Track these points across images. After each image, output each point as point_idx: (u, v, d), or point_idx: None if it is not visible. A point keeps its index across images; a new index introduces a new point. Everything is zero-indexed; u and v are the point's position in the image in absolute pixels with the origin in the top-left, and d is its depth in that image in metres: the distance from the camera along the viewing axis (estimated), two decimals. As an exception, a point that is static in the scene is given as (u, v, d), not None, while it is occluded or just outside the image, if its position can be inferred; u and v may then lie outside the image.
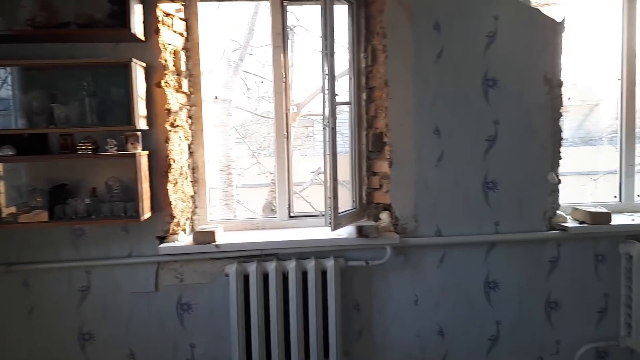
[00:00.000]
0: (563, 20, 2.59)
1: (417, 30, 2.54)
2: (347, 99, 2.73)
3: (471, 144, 2.62)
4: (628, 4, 2.85)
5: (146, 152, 2.43)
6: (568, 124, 2.97)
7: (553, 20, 2.56)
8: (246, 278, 2.52)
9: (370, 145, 2.74)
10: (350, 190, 2.82)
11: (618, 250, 2.71)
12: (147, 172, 2.41)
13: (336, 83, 2.41)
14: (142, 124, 2.35)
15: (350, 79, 2.71)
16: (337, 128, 2.45)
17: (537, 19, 2.58)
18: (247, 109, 6.97)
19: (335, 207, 2.48)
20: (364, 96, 2.76)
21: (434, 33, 2.54)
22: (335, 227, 2.51)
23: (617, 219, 2.73)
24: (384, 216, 2.73)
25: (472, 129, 2.61)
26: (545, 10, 2.56)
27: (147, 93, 2.43)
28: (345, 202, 2.76)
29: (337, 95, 2.41)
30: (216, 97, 6.19)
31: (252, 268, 2.51)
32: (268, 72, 6.83)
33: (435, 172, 2.62)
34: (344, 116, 2.77)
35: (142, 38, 2.38)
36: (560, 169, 2.68)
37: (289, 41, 2.88)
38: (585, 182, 3.33)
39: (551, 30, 2.58)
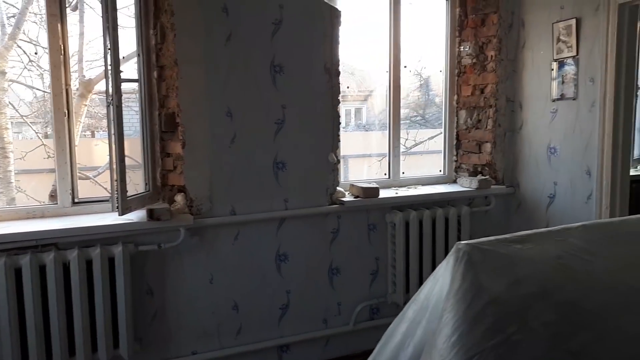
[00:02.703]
0: (339, 13, 2.87)
1: (206, 11, 2.54)
2: (136, 77, 2.60)
3: (262, 127, 2.76)
4: (394, 2, 3.29)
5: None
6: (347, 110, 3.31)
7: (333, 11, 2.82)
8: (18, 272, 2.25)
9: (163, 125, 2.67)
10: (142, 172, 2.72)
11: (385, 220, 3.16)
12: None
13: (124, 59, 2.28)
14: None
15: (138, 55, 2.59)
16: (131, 106, 2.33)
17: (318, 10, 2.81)
18: (26, 84, 6.06)
19: (124, 190, 2.37)
20: (154, 74, 2.66)
21: (223, 16, 2.58)
22: (124, 211, 2.39)
23: (385, 193, 3.19)
24: (179, 198, 2.70)
25: (262, 112, 2.74)
26: (327, 1, 2.79)
27: None
28: (138, 185, 2.65)
29: (122, 71, 2.28)
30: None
31: (24, 260, 2.25)
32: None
33: (229, 153, 2.69)
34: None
35: None
36: (343, 151, 3.00)
37: (79, 11, 2.61)
38: (367, 162, 3.78)
39: (329, 22, 2.85)
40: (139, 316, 2.57)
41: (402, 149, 3.50)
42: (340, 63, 2.94)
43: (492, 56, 3.34)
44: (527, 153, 3.33)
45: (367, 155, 3.99)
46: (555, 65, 3.06)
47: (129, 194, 2.44)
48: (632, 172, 3.85)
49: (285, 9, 2.72)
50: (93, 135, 6.15)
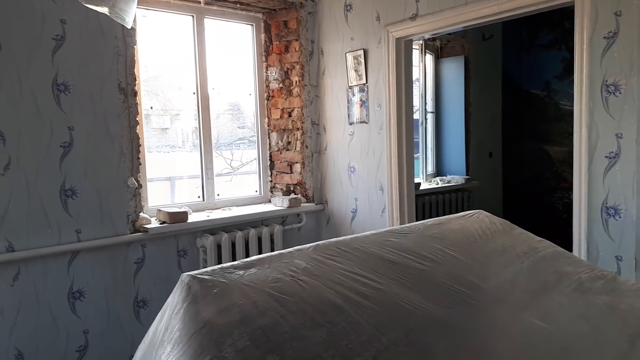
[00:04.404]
0: (134, 32, 2.75)
1: (-38, 21, 2.23)
2: None
3: (44, 151, 2.49)
4: (197, 27, 3.27)
5: None
6: (152, 132, 3.18)
7: (123, 29, 2.68)
8: None
9: None
10: None
11: (196, 244, 3.09)
12: None
13: None
14: None
15: None
16: None
17: (108, 28, 2.64)
18: None
19: None
20: None
21: (-15, 27, 2.28)
22: None
23: (196, 217, 3.11)
24: (-62, 236, 2.29)
25: (44, 134, 2.48)
26: (115, 19, 2.64)
27: None
28: None
29: None
30: None
31: None
32: None
33: (2, 182, 2.37)
34: None
35: None
36: (149, 174, 2.84)
37: None
38: (176, 185, 3.66)
39: (122, 40, 2.71)
40: None
41: (227, 170, 3.47)
42: (139, 82, 2.81)
43: (296, 81, 3.52)
44: (332, 172, 3.55)
45: (182, 178, 3.87)
46: (351, 91, 3.33)
47: None
48: (427, 186, 4.39)
49: (69, 25, 2.51)
50: None
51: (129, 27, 2.69)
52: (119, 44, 2.71)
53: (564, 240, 2.22)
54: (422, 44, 4.48)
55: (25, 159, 2.44)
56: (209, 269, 1.11)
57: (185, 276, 1.05)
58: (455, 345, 1.05)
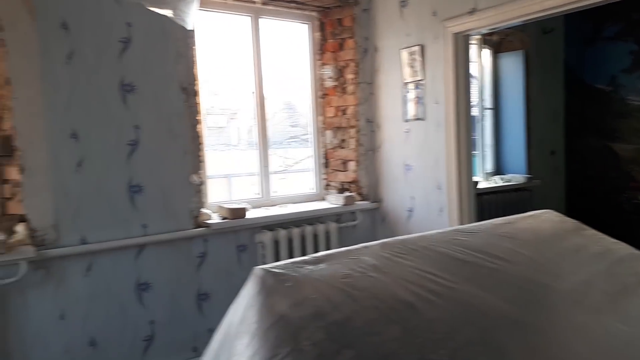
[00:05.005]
0: (192, 33, 2.84)
1: (42, 28, 2.38)
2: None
3: (113, 149, 2.62)
4: (254, 27, 3.33)
5: None
6: (208, 130, 3.28)
7: (184, 31, 2.77)
8: None
9: (-4, 149, 2.43)
10: (-26, 201, 2.45)
11: (255, 240, 3.15)
12: None
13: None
14: None
15: (-37, 73, 2.34)
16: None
17: (170, 29, 2.75)
18: None
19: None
20: (-16, 94, 2.42)
21: (62, 32, 2.43)
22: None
23: (255, 213, 3.18)
24: (20, 228, 2.46)
25: (113, 133, 2.61)
26: (177, 21, 2.74)
27: None
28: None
29: None
30: None
31: None
32: None
33: (76, 178, 2.52)
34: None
35: None
36: (211, 171, 2.93)
37: None
38: (232, 182, 3.75)
39: (183, 41, 2.81)
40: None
41: (282, 168, 3.53)
42: (199, 82, 2.90)
43: (351, 79, 3.51)
44: (387, 170, 3.53)
45: (240, 175, 3.96)
46: (406, 88, 3.29)
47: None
48: (485, 185, 4.27)
49: (134, 28, 2.63)
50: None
51: (190, 29, 2.79)
52: (180, 45, 2.80)
53: (632, 242, 2.10)
54: (480, 39, 4.36)
55: (96, 156, 2.57)
56: (279, 263, 1.13)
57: (258, 270, 1.08)
58: (531, 345, 1.02)
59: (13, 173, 2.43)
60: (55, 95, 2.43)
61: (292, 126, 3.74)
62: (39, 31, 2.37)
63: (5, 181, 2.48)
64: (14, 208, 2.48)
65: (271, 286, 1.02)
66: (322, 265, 1.11)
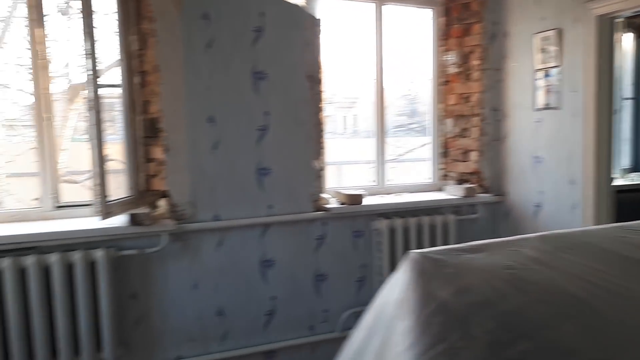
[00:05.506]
0: (319, 22, 2.90)
1: (186, 18, 2.58)
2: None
3: (245, 133, 2.77)
4: (377, 14, 3.31)
5: None
6: (333, 117, 3.33)
7: (312, 19, 2.84)
8: (-2, 275, 2.27)
9: (144, 130, 2.68)
10: (126, 177, 2.73)
11: (370, 227, 3.17)
12: None
13: (108, 65, 2.29)
14: None
15: (121, 61, 2.61)
16: (115, 112, 2.35)
17: (298, 18, 2.83)
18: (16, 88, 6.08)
19: (103, 194, 2.38)
20: (136, 80, 2.68)
21: (203, 23, 2.61)
22: (106, 215, 2.40)
23: (371, 200, 3.20)
24: (162, 203, 2.71)
25: (245, 118, 2.76)
26: (306, 9, 2.81)
27: None
28: (122, 189, 2.66)
29: (100, 77, 2.31)
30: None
31: (5, 264, 2.27)
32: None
33: (212, 159, 2.71)
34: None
35: None
36: (331, 158, 2.99)
37: (68, 16, 2.64)
38: (343, 169, 3.80)
39: (310, 30, 2.87)
40: (122, 320, 2.57)
41: (393, 156, 3.51)
42: (323, 70, 2.96)
43: (476, 65, 3.36)
44: (513, 162, 3.33)
45: (358, 163, 4.00)
46: (538, 75, 3.07)
47: (112, 198, 2.45)
48: (622, 182, 3.88)
49: (266, 17, 2.75)
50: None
51: (318, 18, 2.85)
52: (308, 34, 2.87)
53: None
54: (622, 21, 3.93)
55: (230, 140, 2.74)
56: (434, 249, 1.13)
57: (414, 254, 1.08)
58: None
59: (157, 152, 2.67)
60: (195, 81, 2.63)
61: (409, 115, 3.69)
62: (183, 21, 2.57)
63: (150, 160, 2.74)
64: (157, 184, 2.73)
65: (430, 271, 1.01)
66: (480, 255, 1.09)
